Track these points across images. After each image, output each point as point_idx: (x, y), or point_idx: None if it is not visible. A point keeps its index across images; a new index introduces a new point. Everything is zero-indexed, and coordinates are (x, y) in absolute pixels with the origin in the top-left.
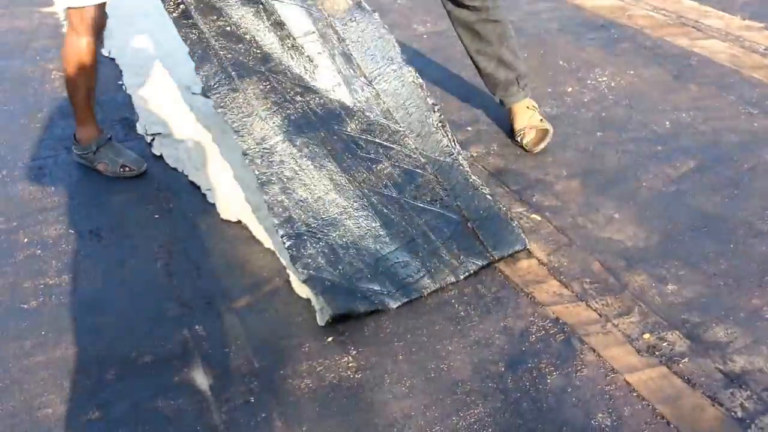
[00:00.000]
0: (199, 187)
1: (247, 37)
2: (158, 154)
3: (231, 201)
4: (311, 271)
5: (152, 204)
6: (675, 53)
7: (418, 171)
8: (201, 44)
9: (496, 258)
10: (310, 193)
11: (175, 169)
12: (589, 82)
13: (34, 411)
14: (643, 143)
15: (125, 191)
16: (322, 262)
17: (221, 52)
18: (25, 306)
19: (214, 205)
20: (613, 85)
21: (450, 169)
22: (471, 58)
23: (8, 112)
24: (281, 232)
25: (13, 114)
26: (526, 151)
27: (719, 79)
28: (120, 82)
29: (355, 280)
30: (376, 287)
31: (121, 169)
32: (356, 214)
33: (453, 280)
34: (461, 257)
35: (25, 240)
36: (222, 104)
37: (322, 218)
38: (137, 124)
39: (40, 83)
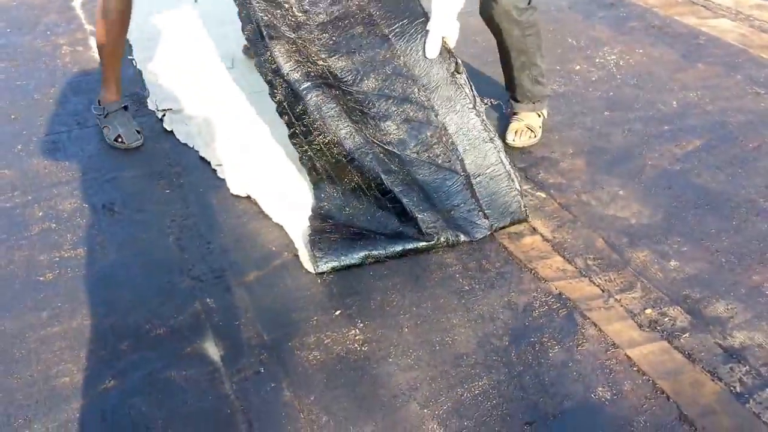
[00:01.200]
0: (209, 163)
1: (286, 5)
2: (169, 129)
3: (240, 176)
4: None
5: (164, 179)
6: (683, 32)
7: (425, 124)
8: (245, 7)
9: (492, 226)
10: (325, 138)
11: (185, 145)
12: (597, 60)
13: (51, 380)
14: (649, 122)
15: (137, 166)
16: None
17: (259, 14)
18: (41, 278)
19: (224, 180)
20: (621, 63)
21: (462, 117)
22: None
23: (21, 87)
24: (302, 164)
25: (26, 89)
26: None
27: (727, 58)
28: (130, 57)
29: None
30: (367, 227)
31: (116, 140)
32: (360, 158)
33: (436, 232)
34: (452, 212)
35: (40, 214)
36: (257, 62)
37: (335, 161)
38: (148, 100)
39: (51, 58)
